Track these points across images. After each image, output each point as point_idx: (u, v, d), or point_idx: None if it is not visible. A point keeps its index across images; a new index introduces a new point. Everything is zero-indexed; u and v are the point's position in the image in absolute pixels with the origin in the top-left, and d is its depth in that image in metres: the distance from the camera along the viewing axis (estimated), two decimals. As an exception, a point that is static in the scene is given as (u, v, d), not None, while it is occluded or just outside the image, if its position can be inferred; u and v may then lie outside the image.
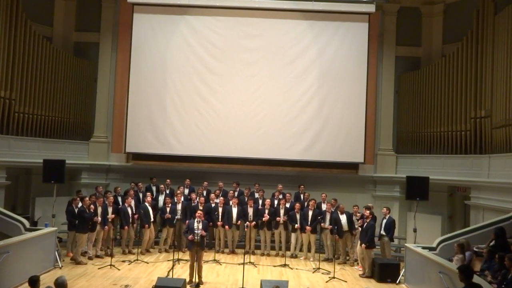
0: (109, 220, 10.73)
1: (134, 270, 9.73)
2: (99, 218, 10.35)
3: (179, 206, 11.47)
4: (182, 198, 11.69)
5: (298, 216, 11.35)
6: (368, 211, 10.38)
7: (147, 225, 11.03)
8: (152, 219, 11.16)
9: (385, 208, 10.92)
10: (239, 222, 11.47)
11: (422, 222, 11.38)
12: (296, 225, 11.32)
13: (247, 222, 10.83)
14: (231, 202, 11.64)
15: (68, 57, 13.17)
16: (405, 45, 13.87)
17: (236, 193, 12.27)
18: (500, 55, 10.57)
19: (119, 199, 11.62)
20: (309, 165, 13.43)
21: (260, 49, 13.45)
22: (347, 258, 11.14)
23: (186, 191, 12.38)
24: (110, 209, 10.81)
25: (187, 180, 12.64)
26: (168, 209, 11.35)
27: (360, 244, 10.04)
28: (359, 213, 11.05)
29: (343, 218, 10.93)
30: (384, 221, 10.66)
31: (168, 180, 12.55)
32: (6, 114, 11.18)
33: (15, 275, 8.05)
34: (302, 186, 12.56)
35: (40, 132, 12.25)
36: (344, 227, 10.91)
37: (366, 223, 10.03)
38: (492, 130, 10.73)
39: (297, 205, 11.48)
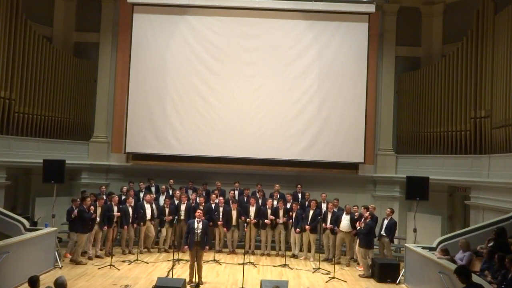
0: (115, 217, 10.70)
1: (134, 270, 9.73)
2: (95, 214, 10.30)
3: (182, 207, 11.45)
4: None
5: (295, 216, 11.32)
6: (367, 212, 10.36)
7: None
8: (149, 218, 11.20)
9: (389, 209, 10.91)
10: (240, 219, 11.43)
11: (422, 222, 11.39)
12: (297, 229, 11.28)
13: (248, 219, 10.77)
14: (231, 203, 11.63)
15: (68, 57, 13.16)
16: (405, 45, 13.88)
17: (236, 193, 12.25)
18: (500, 55, 10.57)
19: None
20: (309, 165, 13.43)
21: (260, 49, 13.44)
22: (340, 257, 11.07)
23: (190, 192, 12.35)
24: (115, 208, 10.82)
25: (190, 182, 12.65)
26: (167, 210, 11.36)
27: (359, 245, 10.03)
28: (357, 213, 11.02)
29: (346, 219, 10.86)
30: (386, 222, 10.65)
31: (171, 181, 12.56)
32: (6, 114, 11.17)
33: (15, 275, 8.04)
34: (299, 186, 12.58)
35: (40, 132, 12.24)
36: (345, 227, 10.85)
37: (365, 224, 10.02)
38: (492, 130, 10.73)
39: (295, 205, 11.47)
